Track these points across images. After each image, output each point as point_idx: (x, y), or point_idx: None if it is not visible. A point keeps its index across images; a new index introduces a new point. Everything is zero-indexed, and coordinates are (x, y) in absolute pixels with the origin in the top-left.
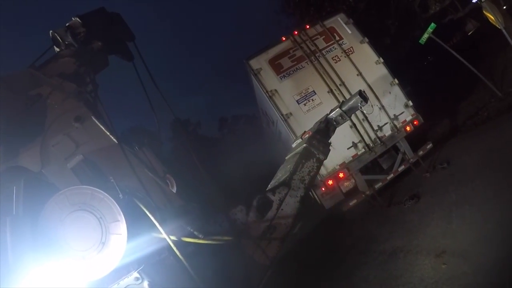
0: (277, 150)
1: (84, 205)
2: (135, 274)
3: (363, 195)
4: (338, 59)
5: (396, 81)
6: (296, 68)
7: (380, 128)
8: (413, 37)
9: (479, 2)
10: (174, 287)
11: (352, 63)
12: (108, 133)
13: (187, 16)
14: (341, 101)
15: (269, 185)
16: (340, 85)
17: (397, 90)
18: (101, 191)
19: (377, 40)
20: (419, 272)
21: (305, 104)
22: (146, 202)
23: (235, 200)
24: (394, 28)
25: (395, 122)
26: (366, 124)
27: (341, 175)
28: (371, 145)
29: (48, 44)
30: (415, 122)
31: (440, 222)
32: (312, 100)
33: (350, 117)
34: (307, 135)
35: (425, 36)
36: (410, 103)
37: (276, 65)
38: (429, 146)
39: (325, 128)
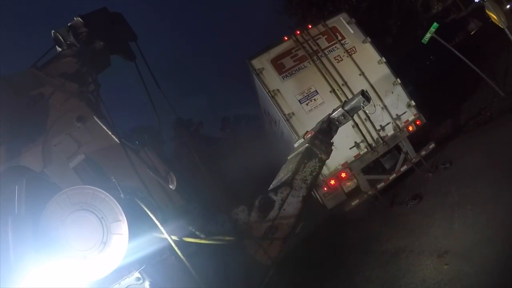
0: (279, 150)
1: (86, 205)
2: (136, 274)
3: (365, 195)
4: (341, 59)
5: (399, 80)
6: (299, 67)
7: (383, 128)
8: (415, 36)
9: (481, 2)
10: None
11: (355, 62)
12: (110, 133)
13: (189, 16)
14: (343, 101)
15: (271, 185)
16: (342, 84)
17: (399, 90)
18: (102, 191)
19: (380, 39)
20: (421, 272)
21: (307, 104)
22: (147, 202)
23: (237, 200)
24: (396, 28)
25: (398, 122)
26: (368, 124)
27: (343, 175)
28: (373, 145)
29: (50, 44)
30: (417, 122)
31: (442, 223)
32: (314, 100)
33: (352, 116)
34: (309, 135)
35: (428, 35)
36: (413, 103)
37: (278, 64)
38: (432, 146)
39: (328, 128)
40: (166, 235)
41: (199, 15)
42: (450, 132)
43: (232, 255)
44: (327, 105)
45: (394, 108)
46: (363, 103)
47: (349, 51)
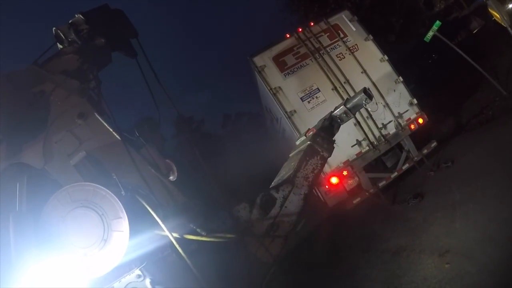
0: (281, 147)
1: (86, 201)
2: (137, 272)
3: (367, 193)
4: (343, 57)
5: (401, 79)
6: (300, 65)
7: (385, 126)
8: (418, 35)
9: (484, 0)
10: (177, 285)
11: (357, 60)
12: (111, 130)
13: (191, 13)
14: (345, 98)
15: (272, 183)
16: (344, 82)
17: (401, 88)
18: (103, 188)
19: (382, 37)
20: (422, 271)
21: (309, 102)
22: (148, 199)
23: (239, 197)
24: (398, 26)
25: (400, 120)
26: (370, 122)
27: (345, 173)
28: (375, 143)
29: (51, 41)
30: (419, 120)
31: (443, 221)
32: (316, 97)
33: (354, 114)
34: (311, 133)
35: (430, 34)
36: (415, 101)
37: (280, 62)
38: (434, 144)
39: (329, 126)
40: (167, 232)
41: (201, 13)
42: (452, 131)
43: (233, 253)
44: (329, 103)
45: (396, 106)
46: (365, 101)
47: (351, 48)
